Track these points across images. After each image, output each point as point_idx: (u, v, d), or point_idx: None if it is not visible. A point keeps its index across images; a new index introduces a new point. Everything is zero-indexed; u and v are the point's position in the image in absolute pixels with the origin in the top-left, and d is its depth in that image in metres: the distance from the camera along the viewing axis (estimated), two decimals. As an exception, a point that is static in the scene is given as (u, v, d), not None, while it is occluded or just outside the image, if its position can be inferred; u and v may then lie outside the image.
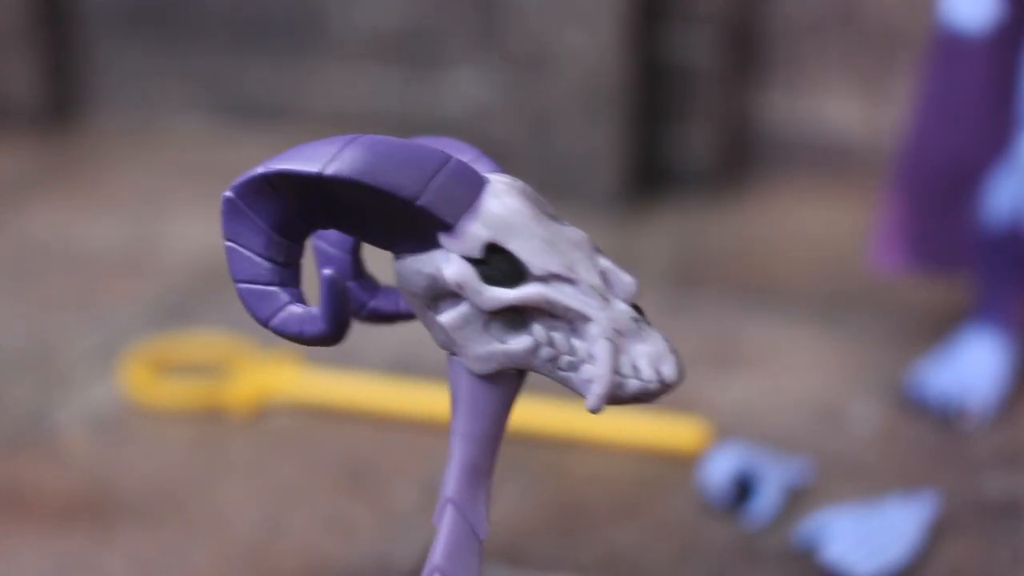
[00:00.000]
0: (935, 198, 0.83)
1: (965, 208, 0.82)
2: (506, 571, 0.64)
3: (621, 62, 1.08)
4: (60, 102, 1.33)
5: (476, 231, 0.45)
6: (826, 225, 1.08)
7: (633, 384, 0.45)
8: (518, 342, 0.46)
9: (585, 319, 0.45)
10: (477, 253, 0.45)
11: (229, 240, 0.46)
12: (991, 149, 0.80)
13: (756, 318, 0.91)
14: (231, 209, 0.46)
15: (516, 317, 0.45)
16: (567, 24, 1.08)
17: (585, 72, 1.09)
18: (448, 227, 0.45)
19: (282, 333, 0.47)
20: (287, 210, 0.46)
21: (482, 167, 0.49)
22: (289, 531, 0.67)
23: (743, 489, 0.70)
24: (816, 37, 1.14)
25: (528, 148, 1.11)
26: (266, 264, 0.46)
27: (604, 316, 0.45)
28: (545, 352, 0.46)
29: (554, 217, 0.46)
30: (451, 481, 0.48)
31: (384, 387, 0.78)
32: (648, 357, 0.45)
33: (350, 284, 0.50)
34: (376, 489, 0.71)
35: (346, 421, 0.78)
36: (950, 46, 0.80)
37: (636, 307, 0.46)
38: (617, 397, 0.45)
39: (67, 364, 0.84)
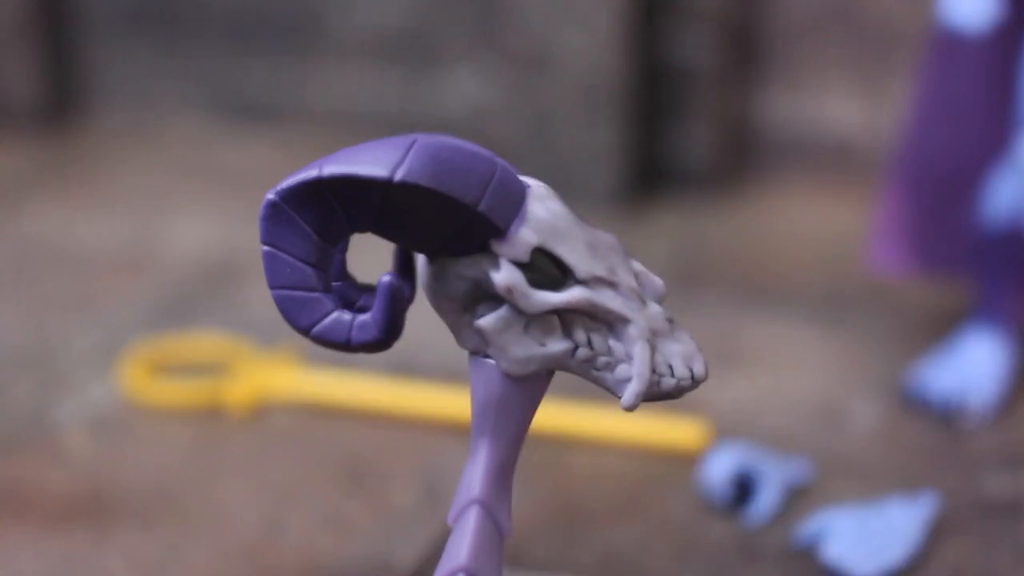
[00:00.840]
0: (933, 198, 0.83)
1: (964, 208, 0.82)
2: (505, 571, 0.64)
3: (621, 62, 1.08)
4: (60, 101, 1.33)
5: (526, 236, 0.46)
6: (826, 224, 1.08)
7: (668, 382, 0.47)
8: (558, 344, 0.47)
9: (625, 321, 0.46)
10: (525, 257, 0.46)
11: (268, 244, 0.45)
12: (990, 149, 0.80)
13: (756, 317, 0.91)
14: (274, 213, 0.45)
15: (555, 319, 0.46)
16: (567, 24, 1.08)
17: (585, 72, 1.09)
18: (500, 232, 0.45)
19: (325, 341, 0.46)
20: (335, 214, 0.45)
21: (522, 174, 0.50)
22: (288, 530, 0.67)
23: (743, 488, 0.69)
24: (816, 36, 1.14)
25: (528, 148, 1.11)
26: (309, 270, 0.46)
27: (641, 317, 0.46)
28: (583, 353, 0.47)
29: (586, 221, 0.48)
30: (477, 481, 0.49)
31: (383, 387, 0.78)
32: (681, 356, 0.47)
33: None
34: (375, 488, 0.71)
35: (345, 420, 0.78)
36: (949, 45, 0.79)
37: (665, 307, 0.47)
38: (652, 395, 0.47)
39: (67, 364, 0.84)
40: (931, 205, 0.83)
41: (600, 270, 0.46)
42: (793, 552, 0.65)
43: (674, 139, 1.15)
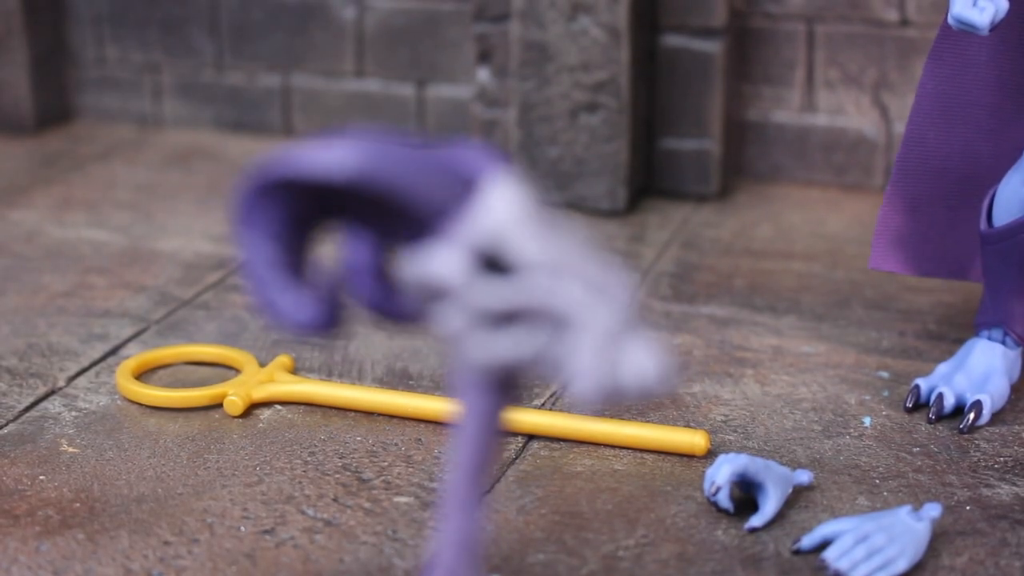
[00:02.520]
0: (936, 199, 0.82)
1: (966, 209, 0.82)
2: (504, 574, 0.64)
3: (621, 62, 1.08)
4: (54, 104, 1.33)
5: (476, 229, 0.44)
6: (828, 226, 1.08)
7: (618, 382, 0.45)
8: (512, 341, 0.45)
9: (576, 318, 0.45)
10: (476, 251, 0.45)
11: (242, 225, 0.46)
12: (993, 150, 0.80)
13: (757, 320, 0.90)
14: (246, 198, 0.46)
15: (512, 316, 0.45)
16: (567, 23, 1.08)
17: (585, 72, 1.08)
18: (449, 225, 0.45)
19: (278, 319, 0.47)
20: (297, 204, 0.46)
21: (489, 166, 0.49)
22: (284, 535, 0.67)
23: (745, 493, 0.69)
24: (820, 37, 1.14)
25: (528, 148, 1.11)
26: (276, 253, 0.47)
27: (594, 315, 0.45)
28: (537, 350, 0.45)
29: (551, 216, 0.46)
30: (453, 479, 0.49)
31: (379, 391, 0.78)
32: (633, 356, 0.45)
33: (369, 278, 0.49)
34: (374, 490, 0.70)
35: (344, 423, 0.77)
36: (953, 43, 0.79)
37: (626, 306, 0.45)
38: (603, 395, 0.45)
39: (63, 365, 0.84)
40: (932, 206, 0.82)
41: (551, 265, 0.45)
42: (795, 558, 0.65)
43: (674, 140, 1.14)
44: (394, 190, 0.44)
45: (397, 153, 0.45)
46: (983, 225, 0.78)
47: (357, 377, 0.83)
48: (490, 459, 0.49)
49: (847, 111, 1.15)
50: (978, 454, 0.74)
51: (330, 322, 0.47)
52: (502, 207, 0.45)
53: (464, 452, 0.48)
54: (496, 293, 0.45)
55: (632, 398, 0.45)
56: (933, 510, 0.66)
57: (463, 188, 0.45)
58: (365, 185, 0.44)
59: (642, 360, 0.45)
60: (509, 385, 0.48)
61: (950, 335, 0.88)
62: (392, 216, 0.45)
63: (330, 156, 0.45)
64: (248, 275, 0.46)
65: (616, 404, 0.46)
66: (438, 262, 0.45)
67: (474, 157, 0.48)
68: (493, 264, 0.45)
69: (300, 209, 0.46)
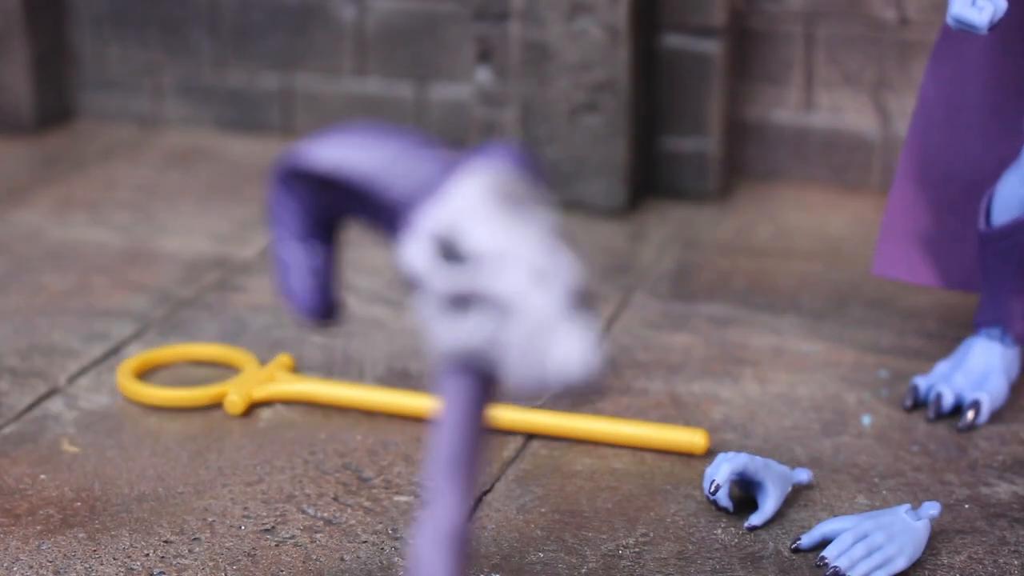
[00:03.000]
0: (940, 205, 0.82)
1: (969, 210, 0.82)
2: (504, 574, 0.64)
3: (621, 62, 1.08)
4: (55, 104, 1.33)
5: (437, 216, 0.45)
6: (827, 227, 1.08)
7: (544, 371, 0.44)
8: (464, 328, 0.46)
9: (515, 305, 0.44)
10: (435, 238, 0.45)
11: (269, 212, 0.49)
12: (994, 151, 0.80)
13: (756, 320, 0.91)
14: (271, 188, 0.48)
15: (468, 303, 0.46)
16: (567, 24, 1.08)
17: (585, 72, 1.08)
18: (414, 213, 0.46)
19: (287, 303, 0.49)
20: (312, 196, 0.48)
21: (503, 163, 0.49)
22: (284, 534, 0.67)
23: (744, 492, 0.69)
24: (819, 37, 1.14)
25: (527, 148, 1.11)
26: (295, 240, 0.49)
27: (531, 302, 0.44)
28: (486, 338, 0.45)
29: (523, 204, 0.46)
30: (430, 470, 0.49)
31: (380, 390, 0.78)
32: (562, 347, 0.44)
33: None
34: (371, 491, 0.70)
35: (344, 422, 0.77)
36: (954, 45, 0.79)
37: (577, 294, 0.45)
38: (532, 386, 0.44)
39: (62, 366, 0.84)
40: (938, 208, 0.82)
41: (497, 251, 0.45)
42: (794, 556, 0.65)
43: (674, 140, 1.14)
44: (368, 181, 0.46)
45: (374, 146, 0.46)
46: (982, 225, 0.78)
47: (358, 376, 0.83)
48: (472, 453, 0.49)
49: (846, 111, 1.15)
50: (977, 453, 0.74)
51: (322, 311, 0.49)
52: (461, 197, 0.45)
53: (443, 444, 0.49)
54: (447, 280, 0.45)
55: (558, 389, 0.44)
56: (932, 509, 0.66)
57: (435, 175, 0.46)
58: (344, 176, 0.46)
59: (570, 350, 0.44)
60: (483, 375, 0.48)
61: (949, 334, 0.88)
62: (383, 208, 0.47)
63: (314, 147, 0.47)
64: (274, 259, 0.49)
65: (545, 393, 0.44)
66: (408, 251, 0.46)
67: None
68: (453, 253, 0.45)
69: (315, 200, 0.48)
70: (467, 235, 0.45)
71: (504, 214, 0.45)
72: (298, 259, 0.48)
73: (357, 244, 1.06)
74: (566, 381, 0.44)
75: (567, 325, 0.44)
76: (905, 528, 0.65)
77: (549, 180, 1.11)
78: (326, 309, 0.49)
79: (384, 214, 0.47)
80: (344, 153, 0.47)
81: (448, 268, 0.45)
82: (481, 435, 0.49)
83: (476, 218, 0.45)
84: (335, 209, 0.49)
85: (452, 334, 0.46)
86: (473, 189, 0.45)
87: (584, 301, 0.44)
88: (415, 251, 0.46)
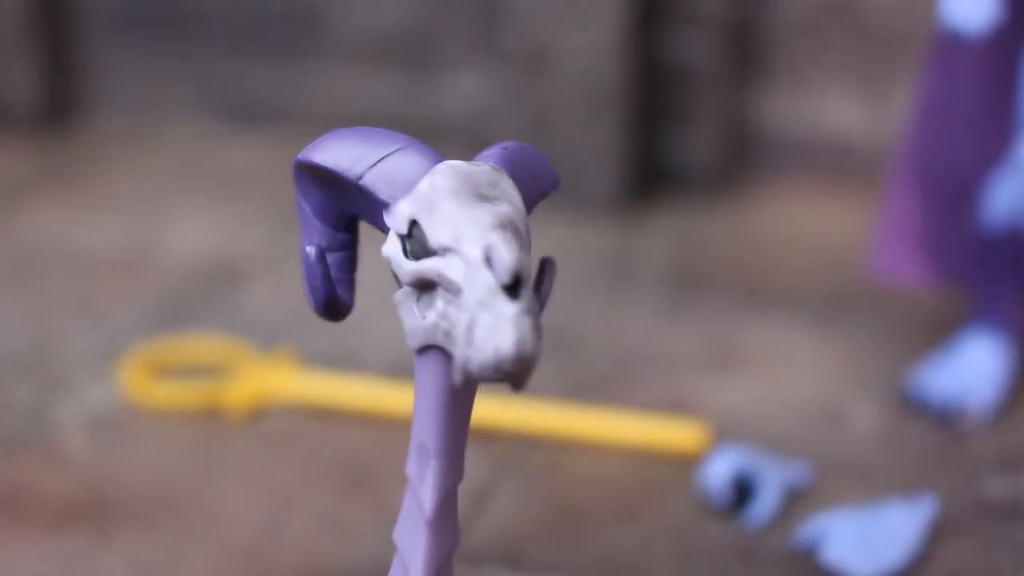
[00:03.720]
0: (936, 202, 0.82)
1: (966, 211, 0.82)
2: (504, 572, 0.64)
3: (620, 63, 1.08)
4: (59, 103, 1.33)
5: (403, 208, 0.47)
6: (825, 226, 1.08)
7: (474, 358, 0.44)
8: (427, 317, 0.46)
9: (460, 292, 0.45)
10: (403, 228, 0.47)
11: (297, 205, 0.51)
12: (991, 151, 0.80)
13: (756, 319, 0.91)
14: (295, 181, 0.51)
15: (435, 293, 0.46)
16: (567, 24, 1.08)
17: (585, 73, 1.09)
18: (386, 205, 0.47)
19: (306, 295, 0.51)
20: (319, 189, 0.50)
21: (491, 159, 0.50)
22: (287, 532, 0.67)
23: (743, 491, 0.69)
24: (815, 38, 1.14)
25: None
26: (313, 233, 0.51)
27: (471, 288, 0.45)
28: (443, 325, 0.46)
29: (486, 197, 0.47)
30: (408, 456, 0.50)
31: (382, 388, 0.78)
32: (489, 330, 0.44)
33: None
34: (375, 490, 0.71)
35: (344, 422, 0.78)
36: (949, 48, 0.79)
37: (519, 282, 0.45)
38: (469, 372, 0.44)
39: (66, 365, 0.84)
40: (934, 209, 0.83)
41: (448, 240, 0.45)
42: (793, 554, 0.65)
43: (673, 141, 1.15)
44: (335, 169, 0.48)
45: (351, 136, 0.48)
46: (978, 224, 0.79)
47: (361, 374, 0.83)
48: (447, 437, 0.49)
49: (846, 111, 1.15)
50: (972, 450, 0.74)
51: (331, 306, 0.50)
52: (427, 190, 0.47)
53: (416, 428, 0.49)
54: (411, 268, 0.46)
55: (489, 378, 0.44)
56: (929, 505, 0.67)
57: (410, 171, 0.48)
58: (337, 173, 0.48)
59: (505, 335, 0.43)
60: (442, 361, 0.48)
61: (946, 333, 0.88)
62: (358, 199, 0.49)
63: (316, 145, 0.49)
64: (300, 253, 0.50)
65: (479, 379, 0.44)
66: (386, 243, 0.48)
67: (421, 149, 0.49)
68: (417, 237, 0.47)
69: (326, 196, 0.50)
70: (426, 226, 0.46)
71: (463, 206, 0.46)
72: (316, 253, 0.49)
73: (363, 239, 1.06)
74: (499, 365, 0.43)
75: (505, 310, 0.44)
76: (902, 525, 0.65)
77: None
78: (336, 304, 0.50)
79: (376, 210, 0.49)
80: (336, 152, 0.49)
81: (412, 257, 0.47)
82: (457, 420, 0.49)
83: (435, 210, 0.46)
84: (343, 205, 0.50)
85: (416, 320, 0.47)
86: (440, 183, 0.47)
87: (527, 286, 0.45)
88: (388, 243, 0.47)
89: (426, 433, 0.49)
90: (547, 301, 0.52)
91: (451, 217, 0.46)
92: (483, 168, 0.48)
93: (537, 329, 0.44)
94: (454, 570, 0.63)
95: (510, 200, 0.47)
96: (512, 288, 0.44)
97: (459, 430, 0.50)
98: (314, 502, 0.70)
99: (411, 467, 0.50)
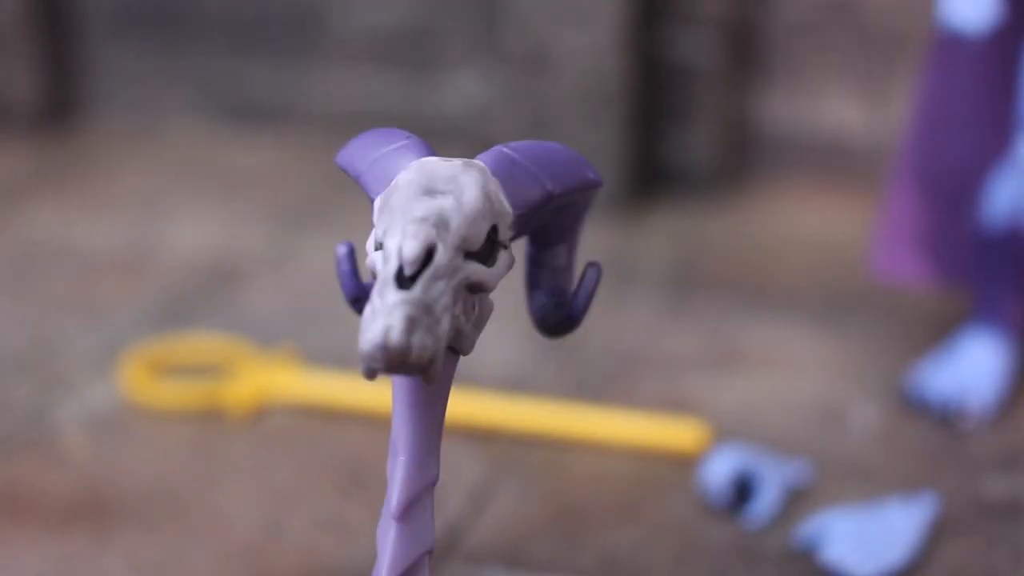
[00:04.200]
0: (936, 201, 0.82)
1: (966, 211, 0.82)
2: (504, 572, 0.64)
3: (620, 63, 1.08)
4: (59, 103, 1.33)
5: (376, 203, 0.48)
6: (826, 226, 1.08)
7: (360, 347, 0.44)
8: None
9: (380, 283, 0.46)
10: (375, 223, 0.48)
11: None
12: (991, 151, 0.80)
13: (756, 319, 0.91)
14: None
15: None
16: (567, 24, 1.08)
17: (584, 72, 1.09)
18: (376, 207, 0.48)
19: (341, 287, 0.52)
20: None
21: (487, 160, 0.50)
22: (288, 532, 0.67)
23: (743, 490, 0.70)
24: (816, 38, 1.15)
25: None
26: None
27: (380, 280, 0.45)
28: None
29: (433, 191, 0.47)
30: (391, 461, 0.50)
31: (382, 388, 0.78)
32: (368, 319, 0.44)
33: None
34: (375, 490, 0.71)
35: (345, 422, 0.78)
36: (949, 47, 0.79)
37: (415, 274, 0.45)
38: (363, 358, 0.44)
39: (66, 365, 0.84)
40: (934, 209, 0.83)
41: (381, 232, 0.46)
42: (793, 554, 0.65)
43: (673, 141, 1.15)
44: (345, 167, 0.50)
45: (367, 147, 0.50)
46: (979, 223, 0.79)
47: (361, 373, 0.83)
48: (419, 436, 0.49)
49: (846, 111, 1.15)
50: (972, 449, 0.75)
51: (355, 302, 0.50)
52: (392, 184, 0.47)
53: (393, 427, 0.49)
54: (377, 264, 0.47)
55: (369, 363, 0.44)
56: (928, 505, 0.67)
57: (387, 169, 0.49)
58: (351, 175, 0.50)
59: (373, 325, 0.43)
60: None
61: (946, 333, 0.88)
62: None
63: (345, 146, 0.51)
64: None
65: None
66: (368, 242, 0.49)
67: (415, 145, 0.50)
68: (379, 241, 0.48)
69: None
70: (376, 220, 0.47)
71: (407, 200, 0.46)
72: (345, 251, 0.50)
73: (361, 238, 1.06)
74: (372, 353, 0.43)
75: (387, 299, 0.44)
76: (902, 524, 0.65)
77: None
78: (360, 298, 0.50)
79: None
80: (348, 153, 0.50)
81: (377, 254, 0.47)
82: (426, 419, 0.49)
83: (386, 204, 0.47)
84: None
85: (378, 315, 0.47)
86: (401, 178, 0.47)
87: (437, 279, 0.44)
88: (372, 233, 0.48)
89: (395, 430, 0.49)
90: (587, 305, 0.53)
91: (393, 211, 0.46)
92: (453, 164, 0.47)
93: (417, 320, 0.43)
94: (454, 570, 0.63)
95: (458, 196, 0.46)
96: (406, 279, 0.44)
97: (428, 429, 0.49)
98: (314, 502, 0.70)
99: (388, 465, 0.50)
